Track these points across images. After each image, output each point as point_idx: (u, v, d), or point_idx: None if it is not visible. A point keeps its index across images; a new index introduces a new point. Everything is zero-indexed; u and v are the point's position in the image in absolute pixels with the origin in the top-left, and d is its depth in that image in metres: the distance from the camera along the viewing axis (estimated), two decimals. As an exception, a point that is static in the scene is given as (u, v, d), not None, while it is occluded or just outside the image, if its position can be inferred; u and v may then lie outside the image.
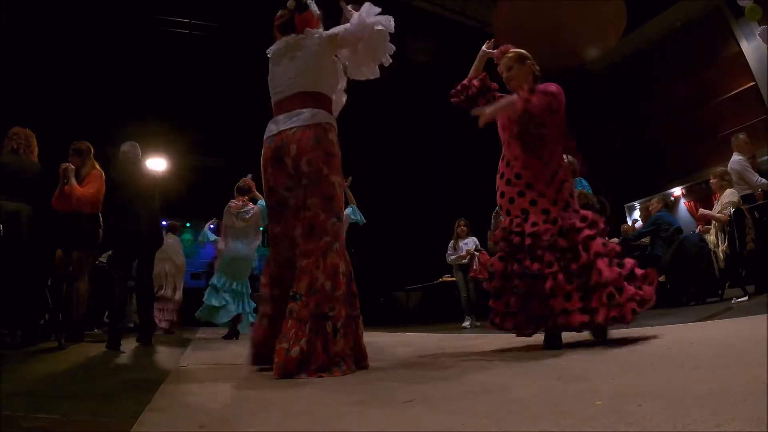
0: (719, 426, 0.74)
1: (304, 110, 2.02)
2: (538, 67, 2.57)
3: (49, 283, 3.75)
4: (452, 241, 6.31)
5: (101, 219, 3.88)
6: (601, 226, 2.28)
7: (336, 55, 2.24)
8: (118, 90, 7.88)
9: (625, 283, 2.10)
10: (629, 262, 2.22)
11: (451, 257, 6.26)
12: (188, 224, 11.53)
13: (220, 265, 5.10)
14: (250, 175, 5.15)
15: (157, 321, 5.74)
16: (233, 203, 5.05)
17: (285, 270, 2.04)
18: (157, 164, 9.72)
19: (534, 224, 2.21)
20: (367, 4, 2.09)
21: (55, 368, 2.26)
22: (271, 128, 2.09)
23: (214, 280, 5.02)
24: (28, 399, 1.38)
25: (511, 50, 2.59)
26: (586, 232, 2.18)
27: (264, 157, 2.11)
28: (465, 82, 2.65)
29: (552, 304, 2.10)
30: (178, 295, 6.12)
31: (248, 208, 5.04)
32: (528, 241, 2.19)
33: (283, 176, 2.03)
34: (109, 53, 7.43)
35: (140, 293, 3.77)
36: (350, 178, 5.07)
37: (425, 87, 7.75)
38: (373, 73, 2.23)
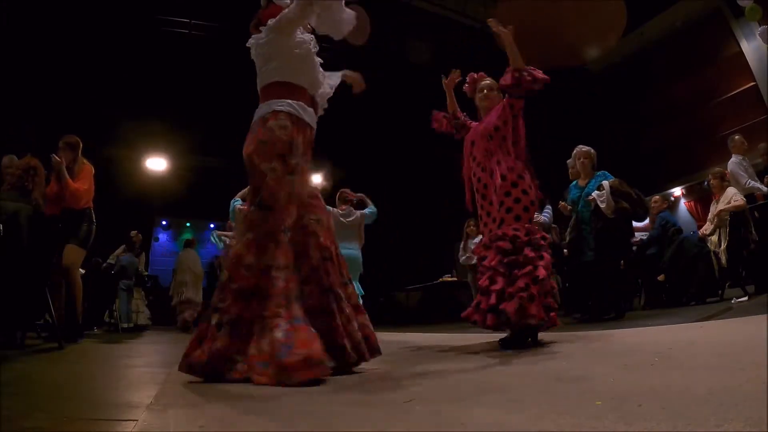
0: (719, 426, 0.74)
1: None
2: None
3: (49, 282, 3.73)
4: (462, 242, 6.10)
5: (93, 215, 3.85)
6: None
7: (305, 32, 2.10)
8: (119, 90, 7.88)
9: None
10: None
11: (462, 258, 6.07)
12: (188, 224, 11.55)
13: None
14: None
15: (180, 319, 6.79)
16: (338, 209, 5.15)
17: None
18: (157, 164, 9.73)
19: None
20: None
21: (55, 368, 2.26)
22: None
23: None
24: (28, 399, 1.38)
25: (486, 78, 2.83)
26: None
27: None
28: (438, 117, 3.02)
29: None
30: (199, 297, 7.11)
31: (354, 213, 5.20)
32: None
33: None
34: (110, 53, 7.44)
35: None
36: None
37: (425, 87, 7.74)
38: (336, 34, 2.11)
